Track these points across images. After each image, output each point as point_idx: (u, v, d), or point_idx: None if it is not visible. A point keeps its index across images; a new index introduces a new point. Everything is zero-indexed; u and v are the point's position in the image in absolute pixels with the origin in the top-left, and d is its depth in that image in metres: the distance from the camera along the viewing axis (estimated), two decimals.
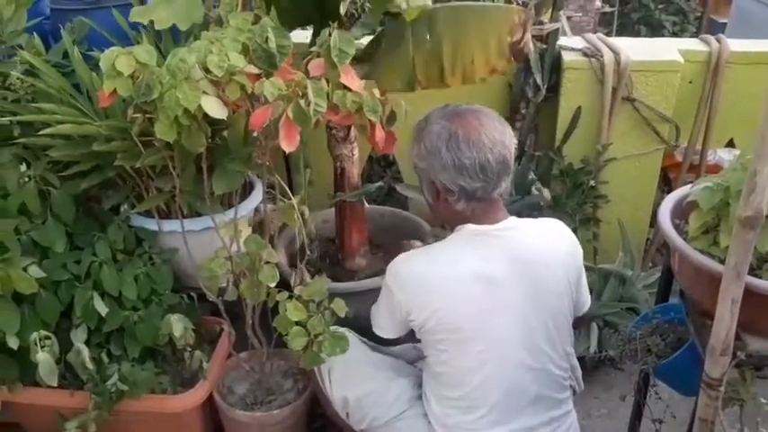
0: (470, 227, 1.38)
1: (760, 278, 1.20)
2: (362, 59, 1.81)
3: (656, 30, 11.30)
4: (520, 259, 1.36)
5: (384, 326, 1.51)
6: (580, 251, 1.48)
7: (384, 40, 1.77)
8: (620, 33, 10.88)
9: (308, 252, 1.70)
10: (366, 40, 1.88)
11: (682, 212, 1.36)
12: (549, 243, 1.42)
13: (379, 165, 2.97)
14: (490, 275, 1.34)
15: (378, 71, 1.71)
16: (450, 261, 1.36)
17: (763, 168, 1.00)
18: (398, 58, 1.71)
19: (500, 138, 1.33)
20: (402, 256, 1.43)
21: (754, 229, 1.04)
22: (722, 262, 1.14)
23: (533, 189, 2.35)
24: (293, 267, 2.01)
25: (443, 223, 1.53)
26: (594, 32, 2.48)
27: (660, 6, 11.39)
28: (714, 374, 1.19)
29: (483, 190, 1.34)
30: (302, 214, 1.65)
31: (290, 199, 1.65)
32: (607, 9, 11.47)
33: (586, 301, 1.55)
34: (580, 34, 2.44)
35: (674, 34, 11.00)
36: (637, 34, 11.02)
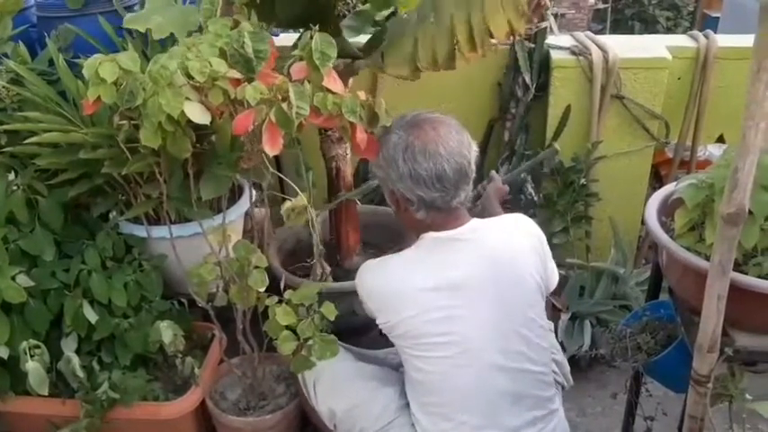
0: (432, 234, 1.38)
1: (746, 274, 1.20)
2: (366, 53, 1.80)
3: (649, 25, 11.31)
4: (485, 261, 1.36)
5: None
6: (544, 239, 1.48)
7: (388, 31, 1.75)
8: (613, 29, 10.91)
9: (321, 247, 1.67)
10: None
11: (668, 210, 1.36)
12: (514, 241, 1.42)
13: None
14: (454, 281, 1.34)
15: (383, 60, 1.68)
16: (412, 270, 1.37)
17: (745, 165, 1.00)
18: (402, 45, 1.67)
19: (458, 148, 1.33)
20: (368, 264, 1.44)
21: (738, 225, 1.04)
22: (708, 259, 1.14)
23: (529, 188, 2.35)
24: (286, 269, 2.01)
25: (408, 230, 1.53)
26: (588, 29, 2.48)
27: (653, 2, 11.41)
28: (702, 371, 1.19)
29: (442, 200, 1.34)
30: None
31: (291, 200, 1.65)
32: (600, 5, 11.49)
33: (554, 279, 1.53)
34: (574, 31, 2.45)
35: (668, 29, 11.03)
36: (631, 30, 11.06)
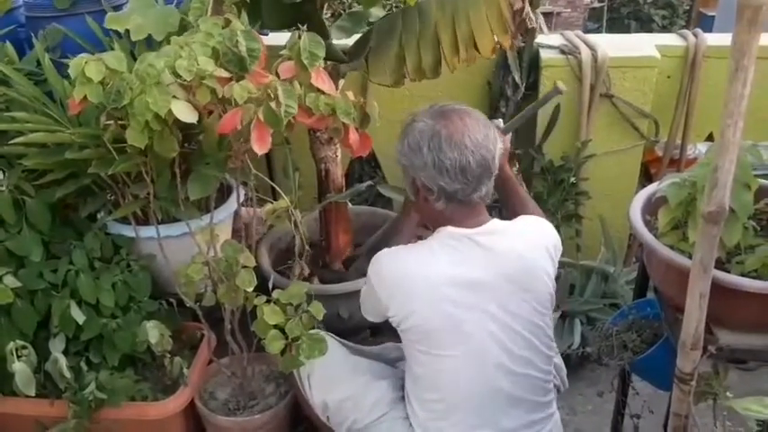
0: (449, 229, 1.36)
1: (729, 272, 1.20)
2: (351, 57, 1.81)
3: (645, 24, 11.32)
4: (498, 264, 1.34)
5: (370, 311, 1.50)
6: (560, 248, 1.46)
7: (373, 37, 1.77)
8: (609, 28, 10.93)
9: (304, 248, 1.68)
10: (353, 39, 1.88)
11: (652, 208, 1.36)
12: (531, 247, 1.39)
13: (369, 165, 2.96)
14: (465, 279, 1.32)
15: (367, 67, 1.69)
16: (425, 264, 1.35)
17: (724, 163, 1.00)
18: (387, 53, 1.70)
19: (483, 141, 1.31)
20: (383, 252, 1.41)
21: (718, 224, 1.04)
22: (691, 257, 1.14)
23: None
24: (279, 267, 2.01)
25: (426, 222, 1.51)
26: (584, 28, 2.49)
27: (649, 1, 11.42)
28: (685, 369, 1.19)
29: (463, 192, 1.32)
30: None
31: (273, 202, 1.65)
32: (596, 4, 11.51)
33: None
34: (567, 30, 2.45)
35: (664, 28, 11.05)
36: (627, 29, 11.08)
